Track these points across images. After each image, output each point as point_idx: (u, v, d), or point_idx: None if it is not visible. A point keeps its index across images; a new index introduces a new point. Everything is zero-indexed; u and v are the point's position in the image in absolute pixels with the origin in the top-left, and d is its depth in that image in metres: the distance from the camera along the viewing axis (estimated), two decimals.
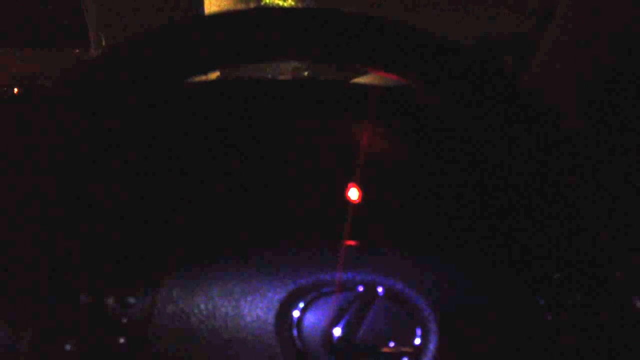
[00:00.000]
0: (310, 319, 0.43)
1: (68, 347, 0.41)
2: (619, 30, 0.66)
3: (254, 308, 0.43)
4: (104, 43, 3.51)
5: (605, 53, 0.67)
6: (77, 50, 3.25)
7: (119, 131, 0.57)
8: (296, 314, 0.43)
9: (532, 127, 0.43)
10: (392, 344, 0.42)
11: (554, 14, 0.75)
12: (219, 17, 0.41)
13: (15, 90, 2.68)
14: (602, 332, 0.45)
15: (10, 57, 2.96)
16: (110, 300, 0.43)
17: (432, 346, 0.42)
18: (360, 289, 0.45)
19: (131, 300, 0.43)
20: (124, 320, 0.43)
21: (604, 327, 0.45)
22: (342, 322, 0.43)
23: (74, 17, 3.33)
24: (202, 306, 0.43)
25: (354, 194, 0.64)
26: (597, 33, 0.68)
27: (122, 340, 0.42)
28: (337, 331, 0.43)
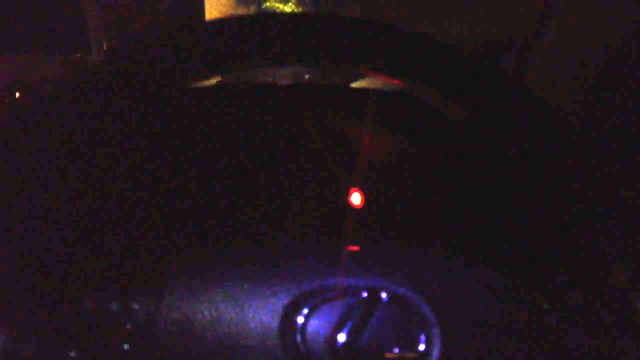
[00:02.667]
0: (314, 324, 0.43)
1: (72, 353, 0.41)
2: (617, 30, 0.66)
3: (258, 314, 0.43)
4: (105, 47, 3.51)
5: (604, 53, 0.67)
6: (79, 55, 3.25)
7: (121, 135, 0.57)
8: (300, 319, 0.43)
9: (536, 128, 0.43)
10: (396, 350, 0.42)
11: (554, 15, 0.75)
12: (220, 23, 0.41)
13: (17, 94, 2.68)
14: (604, 332, 0.44)
15: (12, 61, 2.96)
16: (114, 306, 0.43)
17: (436, 352, 0.42)
18: (364, 294, 0.45)
19: (135, 306, 0.43)
20: (128, 326, 0.43)
21: (606, 327, 0.45)
22: (346, 328, 0.43)
23: (75, 22, 3.34)
24: (206, 312, 0.43)
25: (356, 198, 0.64)
26: (596, 33, 0.68)
27: (126, 346, 0.42)
28: (341, 337, 0.43)
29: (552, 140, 0.43)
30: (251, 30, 0.41)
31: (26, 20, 3.27)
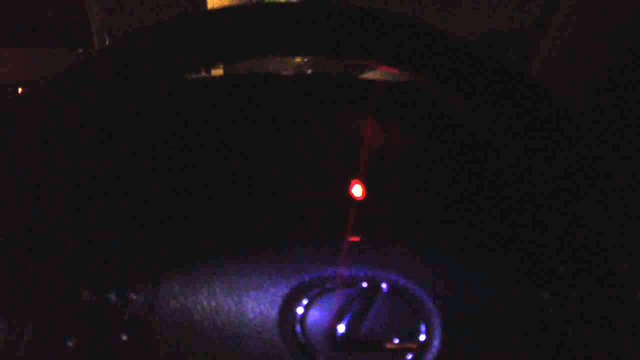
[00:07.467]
0: (314, 315, 0.43)
1: (70, 343, 0.41)
2: (620, 25, 0.65)
3: (257, 304, 0.43)
4: (107, 42, 3.51)
5: (606, 48, 0.66)
6: (81, 50, 3.24)
7: (119, 127, 0.57)
8: (299, 310, 0.43)
9: (539, 123, 0.42)
10: (396, 340, 0.42)
11: (556, 10, 0.74)
12: (222, 13, 0.41)
13: (20, 90, 2.68)
14: (607, 325, 0.44)
15: (13, 57, 2.96)
16: (112, 296, 0.43)
17: (436, 342, 0.42)
18: (364, 284, 0.44)
19: (133, 295, 0.43)
20: (126, 316, 0.42)
21: (609, 320, 0.44)
22: (346, 319, 0.43)
23: (77, 17, 3.33)
24: (205, 302, 0.42)
25: (357, 190, 0.64)
26: (598, 29, 0.68)
27: (124, 337, 0.42)
28: (340, 327, 0.42)
29: (555, 131, 0.43)
30: (253, 19, 0.40)
31: (27, 15, 3.26)
